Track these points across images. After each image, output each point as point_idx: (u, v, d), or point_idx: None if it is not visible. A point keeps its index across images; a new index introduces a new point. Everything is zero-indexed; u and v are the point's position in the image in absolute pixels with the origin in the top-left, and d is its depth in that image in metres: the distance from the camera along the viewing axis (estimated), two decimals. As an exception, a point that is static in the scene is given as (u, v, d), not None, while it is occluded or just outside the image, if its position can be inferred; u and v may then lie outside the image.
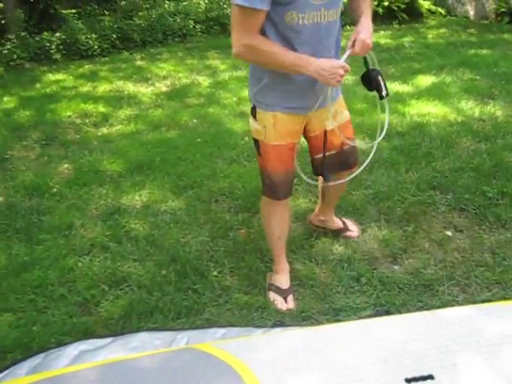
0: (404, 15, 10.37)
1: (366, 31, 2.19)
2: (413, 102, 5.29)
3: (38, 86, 7.05)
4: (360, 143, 2.66)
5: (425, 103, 5.23)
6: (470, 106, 5.08)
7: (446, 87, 5.74)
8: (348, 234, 3.13)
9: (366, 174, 3.75)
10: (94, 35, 9.05)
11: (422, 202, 3.43)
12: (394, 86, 5.88)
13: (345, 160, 2.63)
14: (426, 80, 6.09)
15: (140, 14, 10.41)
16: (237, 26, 2.09)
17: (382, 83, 2.26)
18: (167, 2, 11.03)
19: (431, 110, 5.02)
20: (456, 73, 6.25)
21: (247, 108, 2.42)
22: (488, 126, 4.59)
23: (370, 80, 2.29)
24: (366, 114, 4.93)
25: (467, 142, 4.28)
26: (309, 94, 2.30)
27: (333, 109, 2.40)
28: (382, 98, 2.29)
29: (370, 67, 2.31)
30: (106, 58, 8.62)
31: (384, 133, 2.51)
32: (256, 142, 2.46)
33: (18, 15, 9.11)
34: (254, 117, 2.40)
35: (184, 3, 10.94)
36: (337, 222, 3.14)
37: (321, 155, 2.53)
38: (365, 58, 2.31)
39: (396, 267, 2.85)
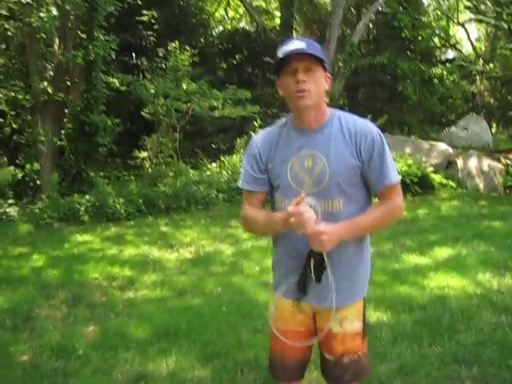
0: (417, 188, 10.90)
1: (332, 229, 2.05)
2: (431, 274, 5.44)
3: (66, 245, 7.34)
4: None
5: (443, 275, 5.36)
6: (487, 278, 5.20)
7: (463, 259, 5.92)
8: None
9: (390, 347, 3.79)
10: (121, 199, 9.53)
11: (447, 376, 3.41)
12: (412, 258, 6.10)
13: (340, 374, 2.31)
14: (442, 252, 6.28)
15: (165, 181, 11.01)
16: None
17: (312, 267, 2.11)
18: (191, 171, 11.69)
19: (450, 282, 5.13)
20: (471, 245, 6.46)
21: (269, 278, 2.54)
22: (508, 298, 4.68)
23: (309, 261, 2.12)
24: (386, 286, 5.07)
25: (488, 315, 4.33)
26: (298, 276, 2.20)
27: (340, 314, 2.22)
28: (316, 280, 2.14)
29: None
30: (132, 222, 8.99)
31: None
32: None
33: (53, 178, 9.69)
34: None
35: (207, 173, 11.59)
36: None
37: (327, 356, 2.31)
38: None
39: None
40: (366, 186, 2.21)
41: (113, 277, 5.82)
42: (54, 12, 8.99)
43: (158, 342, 4.10)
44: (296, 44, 2.08)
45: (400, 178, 2.21)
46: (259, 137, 2.32)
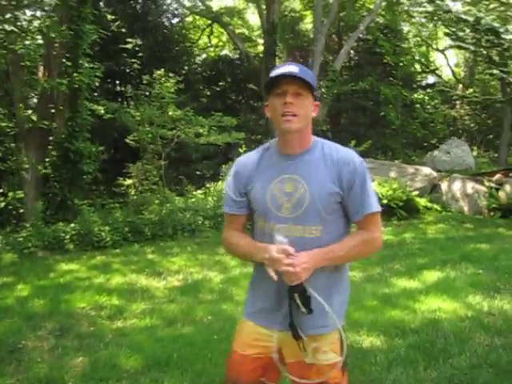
0: (402, 212, 10.97)
1: (304, 258, 2.04)
2: (422, 297, 5.45)
3: (51, 275, 7.22)
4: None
5: (433, 299, 5.38)
6: (477, 301, 5.24)
7: (452, 282, 5.95)
8: None
9: (386, 373, 3.75)
10: (106, 227, 9.43)
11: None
12: (402, 282, 6.11)
13: None
14: (431, 275, 6.31)
15: (151, 208, 10.94)
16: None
17: (299, 302, 2.07)
18: (177, 198, 11.64)
19: (441, 306, 5.15)
20: (459, 267, 6.51)
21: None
22: (499, 320, 4.70)
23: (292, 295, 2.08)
24: (377, 311, 5.04)
25: (481, 337, 4.34)
26: (272, 302, 2.19)
27: (312, 344, 2.14)
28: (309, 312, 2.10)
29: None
30: (118, 250, 8.90)
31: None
32: None
33: (37, 206, 9.58)
34: None
35: (193, 200, 11.54)
36: None
37: (300, 380, 2.18)
38: None
39: None
40: (345, 215, 2.20)
41: (100, 306, 5.71)
42: (39, 40, 8.99)
43: (150, 373, 4.02)
44: (289, 68, 2.11)
45: (381, 209, 2.20)
46: (241, 159, 2.34)
